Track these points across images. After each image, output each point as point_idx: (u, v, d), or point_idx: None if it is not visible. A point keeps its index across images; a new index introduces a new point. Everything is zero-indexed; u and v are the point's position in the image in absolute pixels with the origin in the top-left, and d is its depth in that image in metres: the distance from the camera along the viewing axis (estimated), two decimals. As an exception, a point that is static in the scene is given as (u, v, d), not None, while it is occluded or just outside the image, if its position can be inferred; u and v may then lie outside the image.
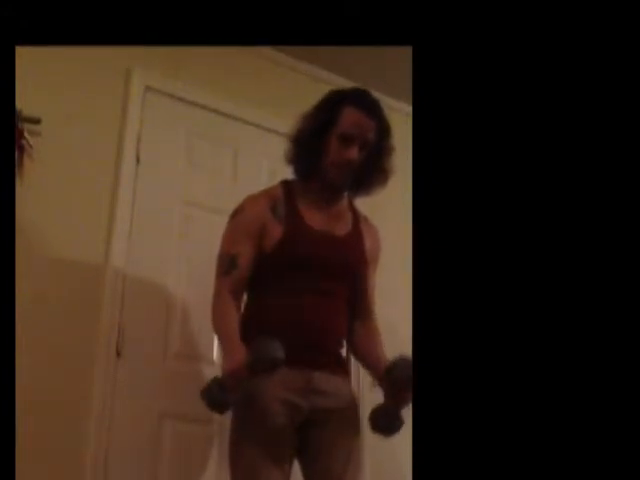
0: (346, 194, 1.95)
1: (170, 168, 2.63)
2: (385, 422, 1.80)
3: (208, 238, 2.14)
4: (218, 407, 1.67)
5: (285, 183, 1.94)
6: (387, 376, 1.75)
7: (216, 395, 1.65)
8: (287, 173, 1.96)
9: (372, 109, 1.84)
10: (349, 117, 1.82)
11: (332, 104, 1.86)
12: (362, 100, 1.84)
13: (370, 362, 1.91)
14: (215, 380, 1.67)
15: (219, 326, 1.79)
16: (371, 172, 1.88)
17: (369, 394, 2.24)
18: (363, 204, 2.09)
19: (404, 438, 1.78)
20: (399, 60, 2.68)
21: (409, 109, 3.02)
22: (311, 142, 1.86)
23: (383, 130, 1.87)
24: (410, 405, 1.71)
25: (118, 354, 2.31)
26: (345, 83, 2.81)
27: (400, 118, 2.87)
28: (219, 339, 1.84)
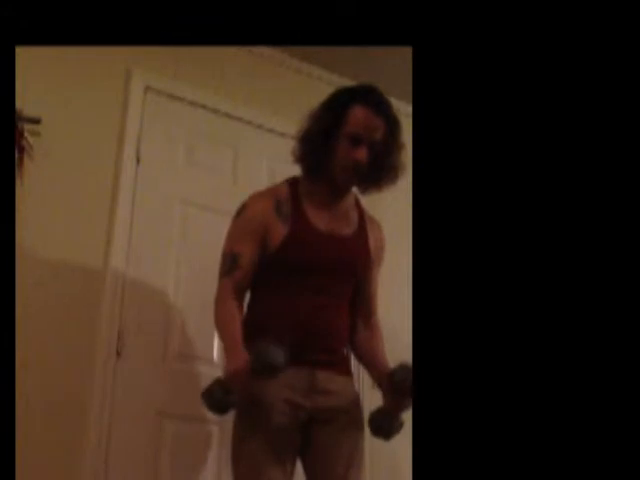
0: (353, 192, 1.92)
1: (170, 168, 2.63)
2: (384, 425, 1.79)
3: (208, 238, 2.15)
4: (219, 409, 1.66)
5: (291, 182, 1.90)
6: (389, 381, 1.75)
7: (218, 397, 1.63)
8: (287, 173, 1.94)
9: (380, 107, 1.80)
10: (357, 116, 1.78)
11: (341, 103, 1.82)
12: (370, 98, 1.81)
13: (371, 362, 1.90)
14: (217, 382, 1.66)
15: (221, 327, 1.77)
16: (381, 169, 1.84)
17: (370, 394, 2.25)
18: (363, 204, 2.08)
19: (403, 439, 1.78)
20: (399, 60, 2.68)
21: (409, 109, 3.02)
22: (320, 141, 1.81)
23: (392, 127, 1.83)
24: (410, 408, 1.71)
25: (118, 354, 2.32)
26: (345, 83, 2.80)
27: (400, 118, 2.88)
28: (221, 340, 1.82)
